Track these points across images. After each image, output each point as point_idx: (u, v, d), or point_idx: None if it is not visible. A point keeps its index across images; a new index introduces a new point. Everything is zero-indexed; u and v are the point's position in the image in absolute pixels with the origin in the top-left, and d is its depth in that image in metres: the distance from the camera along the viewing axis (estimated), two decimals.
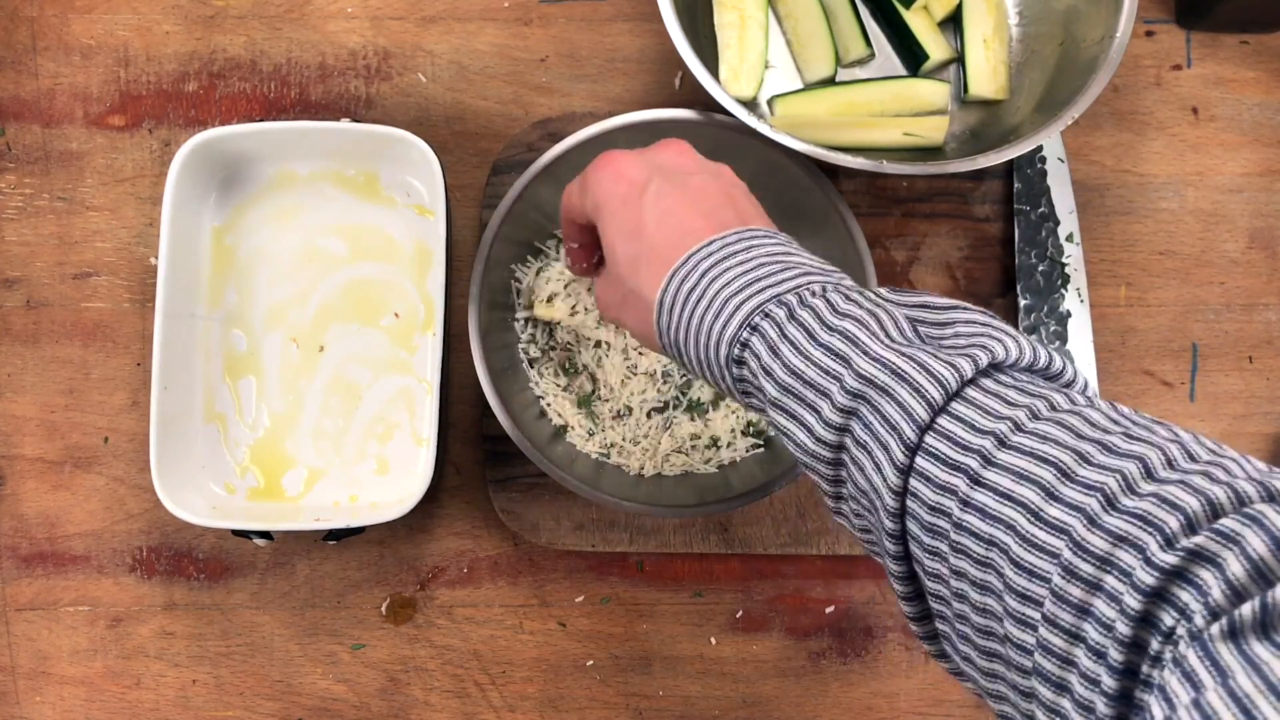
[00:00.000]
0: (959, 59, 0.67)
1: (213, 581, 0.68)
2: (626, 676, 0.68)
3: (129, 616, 0.68)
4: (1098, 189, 0.69)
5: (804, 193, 0.62)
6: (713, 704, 0.68)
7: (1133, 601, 0.28)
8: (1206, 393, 0.69)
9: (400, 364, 0.67)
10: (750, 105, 0.66)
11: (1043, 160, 0.68)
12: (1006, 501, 0.31)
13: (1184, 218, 0.70)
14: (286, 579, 0.68)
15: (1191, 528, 0.28)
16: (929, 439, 0.34)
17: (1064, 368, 0.36)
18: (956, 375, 0.34)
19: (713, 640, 0.68)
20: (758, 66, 0.66)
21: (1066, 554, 0.29)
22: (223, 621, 0.68)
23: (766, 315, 0.39)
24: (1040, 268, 0.68)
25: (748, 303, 0.39)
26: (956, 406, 0.34)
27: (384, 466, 0.67)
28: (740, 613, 0.68)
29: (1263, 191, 0.70)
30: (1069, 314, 0.67)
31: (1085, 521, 0.29)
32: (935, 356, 0.35)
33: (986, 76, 0.65)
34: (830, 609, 0.68)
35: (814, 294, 0.39)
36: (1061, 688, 0.30)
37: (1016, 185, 0.68)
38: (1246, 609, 0.25)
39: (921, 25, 0.66)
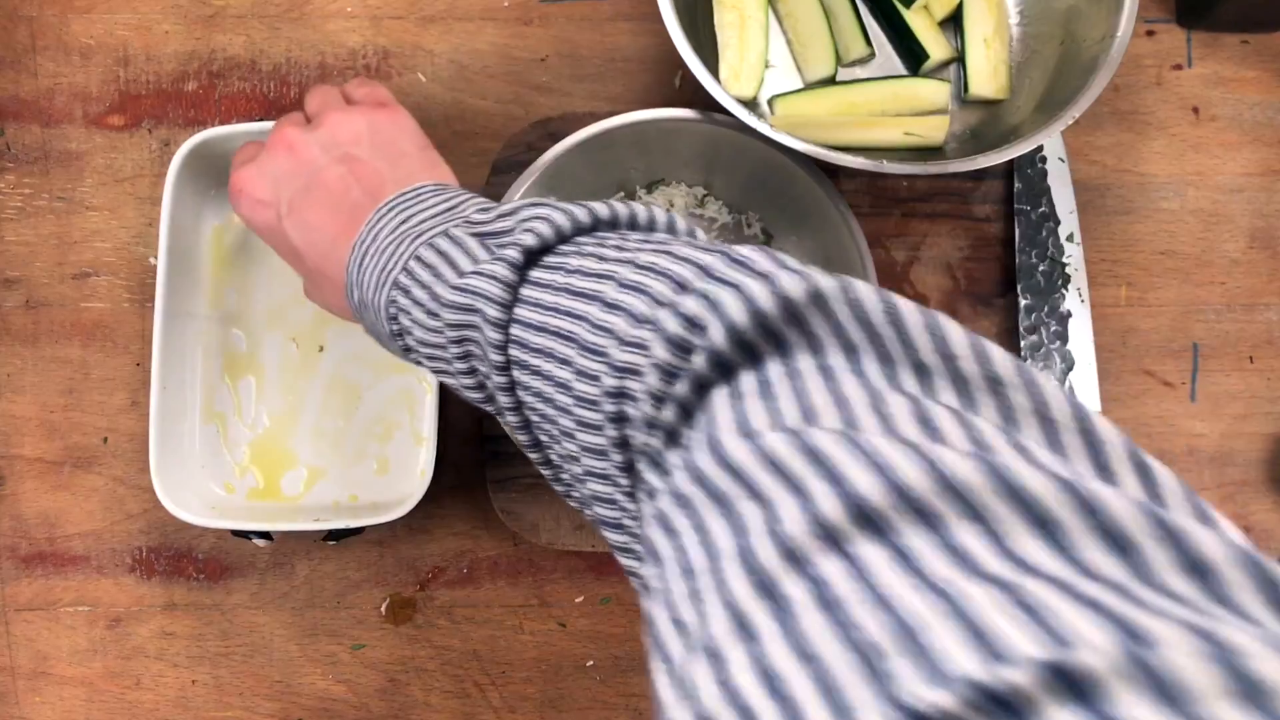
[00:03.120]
0: (959, 59, 0.67)
1: (212, 582, 0.68)
2: (626, 676, 0.68)
3: (129, 617, 0.68)
4: (1098, 189, 0.69)
5: (804, 192, 0.62)
6: None
7: (607, 403, 0.33)
8: (1207, 393, 0.69)
9: (400, 364, 0.67)
10: (750, 105, 0.66)
11: (1043, 160, 0.68)
12: (565, 317, 0.36)
13: (1184, 218, 0.69)
14: (286, 579, 0.68)
15: (636, 325, 0.33)
16: (512, 350, 0.38)
17: (615, 214, 0.40)
18: (504, 287, 0.38)
19: None
20: (758, 66, 0.65)
21: (577, 359, 0.34)
22: (222, 622, 0.68)
23: (394, 303, 0.42)
24: (1040, 268, 0.67)
25: (382, 299, 0.43)
26: (517, 310, 0.38)
27: (384, 466, 0.67)
28: None
29: (1263, 191, 0.70)
30: (1069, 314, 0.67)
31: (578, 349, 0.34)
32: (485, 276, 0.38)
33: (987, 76, 0.65)
34: None
35: (414, 264, 0.41)
36: (603, 474, 0.35)
37: (1017, 185, 0.68)
38: (667, 414, 0.31)
39: (922, 25, 0.66)
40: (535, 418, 0.38)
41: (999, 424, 0.26)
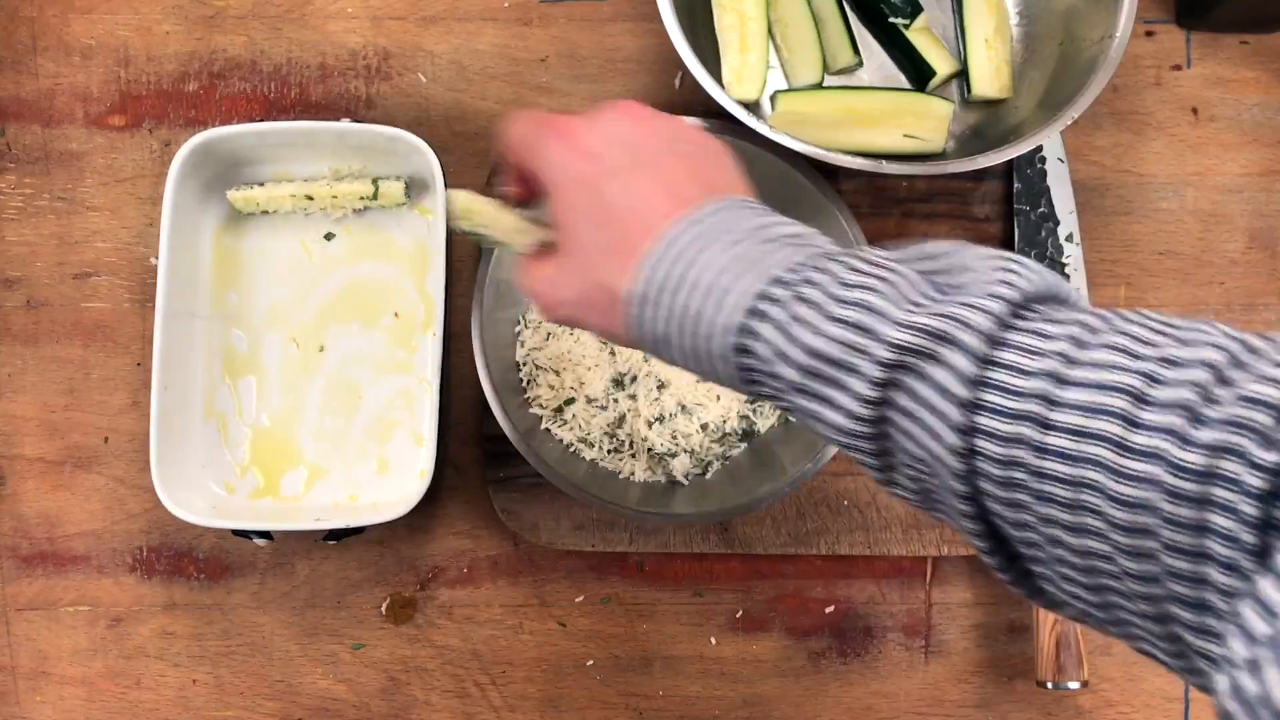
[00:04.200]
0: (964, 70, 0.67)
1: (213, 581, 0.68)
2: (626, 676, 0.68)
3: (129, 616, 0.68)
4: (1098, 189, 0.69)
5: (808, 200, 0.63)
6: (713, 704, 0.68)
7: (1248, 508, 0.27)
8: None
9: (400, 364, 0.67)
10: (752, 107, 0.66)
11: (1043, 160, 0.68)
12: (1086, 439, 0.30)
13: (1184, 218, 0.70)
14: (286, 579, 0.68)
15: None
16: (984, 394, 0.32)
17: (1081, 296, 0.36)
18: (993, 320, 0.32)
19: (713, 640, 0.68)
20: (759, 69, 0.66)
21: (1167, 478, 0.28)
22: (223, 621, 0.68)
23: (768, 298, 0.36)
24: None
25: (745, 287, 0.36)
26: (1001, 354, 0.32)
27: (384, 466, 0.67)
28: (740, 613, 0.68)
29: (1263, 191, 0.70)
30: None
31: (1178, 442, 0.28)
32: (966, 305, 0.32)
33: (989, 76, 0.65)
34: (830, 609, 0.68)
35: (817, 268, 0.35)
36: (1201, 606, 0.29)
37: (1016, 185, 0.68)
38: None
39: (925, 41, 0.66)
40: (1019, 495, 0.32)
41: None
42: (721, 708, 0.68)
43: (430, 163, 0.62)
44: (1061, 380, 0.31)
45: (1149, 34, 0.70)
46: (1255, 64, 0.70)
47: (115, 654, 0.68)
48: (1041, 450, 0.31)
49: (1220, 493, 0.27)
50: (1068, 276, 0.67)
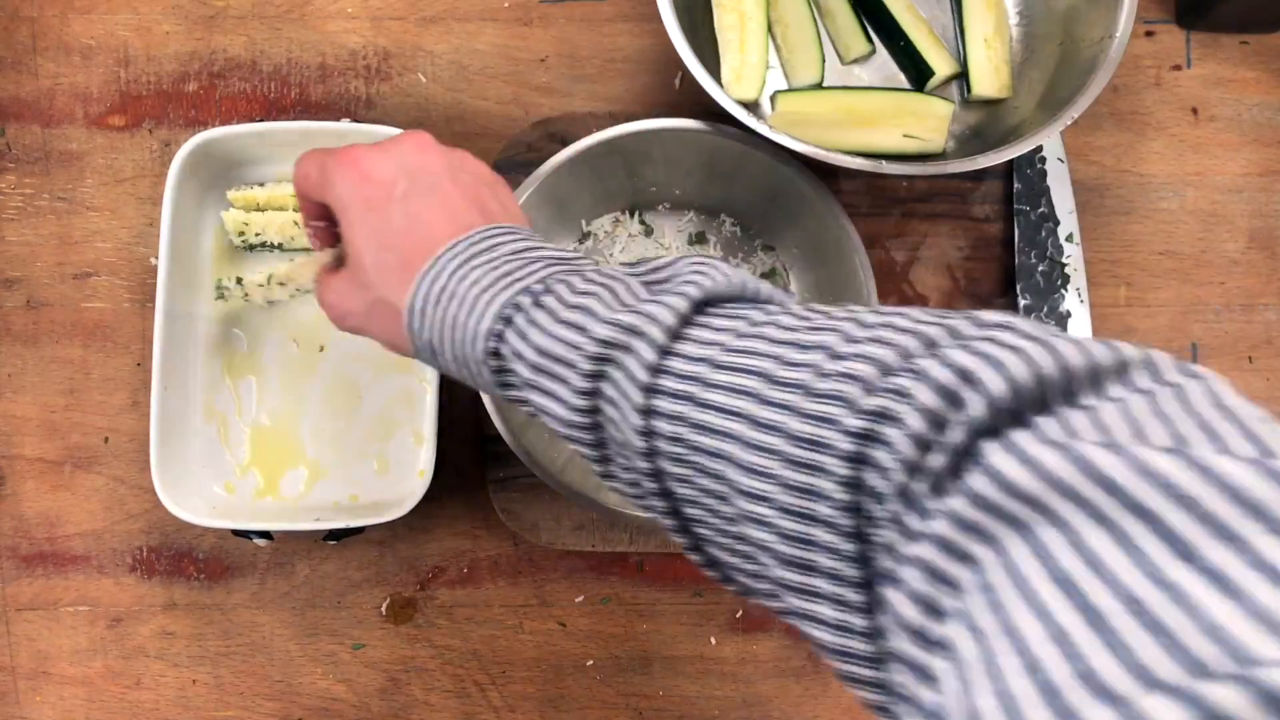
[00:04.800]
0: (964, 71, 0.67)
1: (213, 581, 0.68)
2: (626, 676, 0.68)
3: (129, 616, 0.68)
4: (1098, 189, 0.69)
5: (805, 202, 0.62)
6: (713, 704, 0.68)
7: (840, 468, 0.30)
8: None
9: (400, 364, 0.67)
10: (751, 107, 0.66)
11: (1043, 160, 0.68)
12: (726, 415, 0.34)
13: (1184, 218, 0.70)
14: (286, 579, 0.68)
15: (870, 391, 0.30)
16: (660, 379, 0.35)
17: (771, 293, 0.39)
18: (673, 313, 0.36)
19: (712, 640, 0.68)
20: (759, 68, 0.66)
21: (784, 446, 0.32)
22: (223, 621, 0.68)
23: (516, 306, 0.40)
24: (1040, 268, 0.68)
25: (498, 297, 0.40)
26: (678, 345, 0.36)
27: (384, 466, 0.67)
28: (740, 613, 0.68)
29: (1263, 191, 0.70)
30: (1069, 314, 0.67)
31: (792, 414, 0.32)
32: (657, 303, 0.37)
33: (989, 76, 0.65)
34: None
35: (561, 280, 0.40)
36: (808, 568, 0.32)
37: (1016, 185, 0.68)
38: (938, 460, 0.28)
39: (925, 41, 0.66)
40: (680, 476, 0.36)
41: None
42: (721, 708, 0.68)
43: None
44: (716, 365, 0.34)
45: (1149, 34, 0.70)
46: (1255, 64, 0.70)
47: (115, 654, 0.68)
48: (697, 426, 0.34)
49: (823, 459, 0.31)
50: (1067, 277, 0.67)
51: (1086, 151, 0.70)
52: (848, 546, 0.31)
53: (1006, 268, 0.69)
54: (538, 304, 0.39)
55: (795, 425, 0.31)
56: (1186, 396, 0.27)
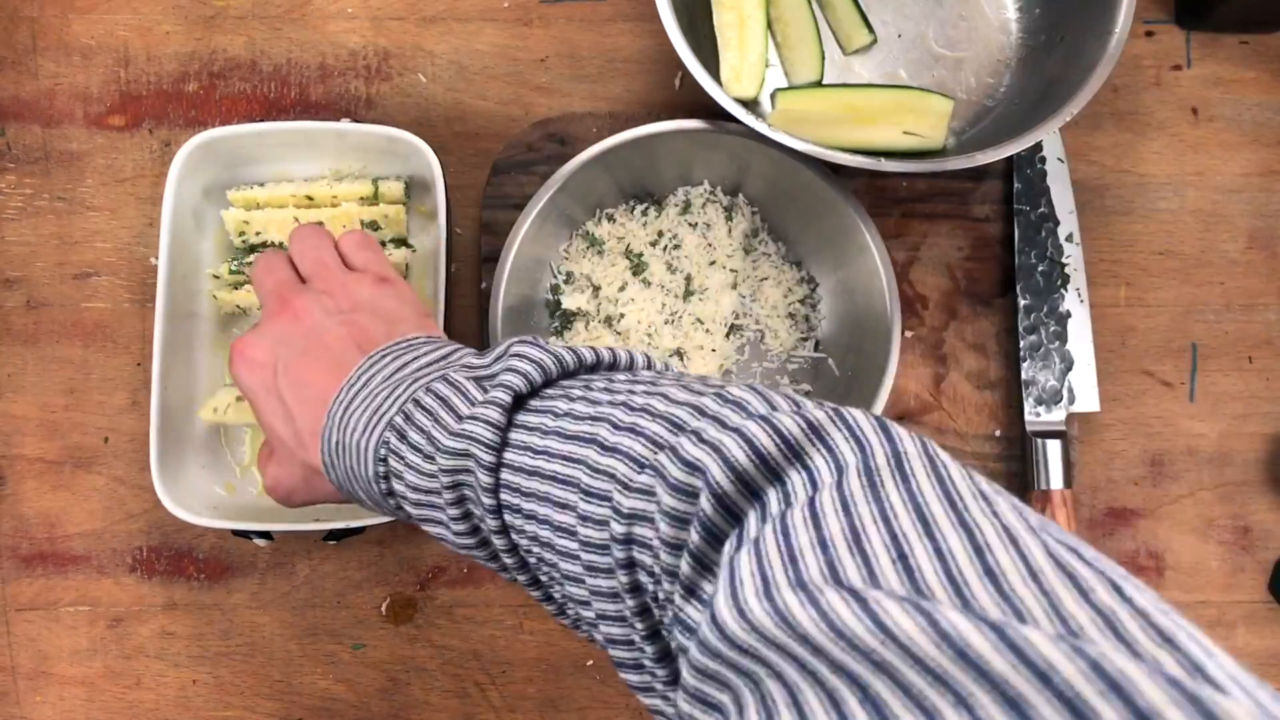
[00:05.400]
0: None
1: (213, 581, 0.68)
2: None
3: (129, 616, 0.68)
4: (1097, 189, 0.69)
5: (816, 195, 0.63)
6: None
7: (623, 577, 0.34)
8: (1206, 393, 0.69)
9: None
10: (751, 105, 0.66)
11: (1042, 160, 0.68)
12: (539, 523, 0.38)
13: (1184, 218, 0.70)
14: (286, 579, 0.68)
15: (626, 489, 0.34)
16: (502, 494, 0.39)
17: (598, 357, 0.42)
18: (492, 429, 0.39)
19: None
20: (759, 66, 0.66)
21: (583, 555, 0.36)
22: (223, 621, 0.68)
23: (387, 444, 0.42)
24: (1040, 268, 0.68)
25: (371, 440, 0.42)
26: (506, 454, 0.39)
27: None
28: None
29: (1263, 191, 0.70)
30: (1069, 314, 0.67)
31: (578, 518, 0.36)
32: (475, 419, 0.39)
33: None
34: None
35: (412, 407, 0.42)
36: (620, 620, 0.36)
37: (1016, 185, 0.68)
38: (685, 567, 0.31)
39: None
40: (533, 560, 0.39)
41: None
42: None
43: (430, 163, 0.62)
44: (526, 471, 0.38)
45: (1149, 34, 0.70)
46: (1255, 64, 0.70)
47: (115, 654, 0.68)
48: (528, 517, 0.38)
49: (606, 560, 0.35)
50: (1067, 277, 0.67)
51: (1086, 151, 0.70)
52: (631, 600, 0.34)
53: (1006, 268, 0.69)
54: (403, 437, 0.41)
55: (583, 531, 0.35)
56: (876, 479, 0.28)
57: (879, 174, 0.66)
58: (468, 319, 0.69)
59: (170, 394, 0.63)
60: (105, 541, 0.68)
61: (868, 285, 0.63)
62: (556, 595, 0.40)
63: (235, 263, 0.65)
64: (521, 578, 0.41)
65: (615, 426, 0.35)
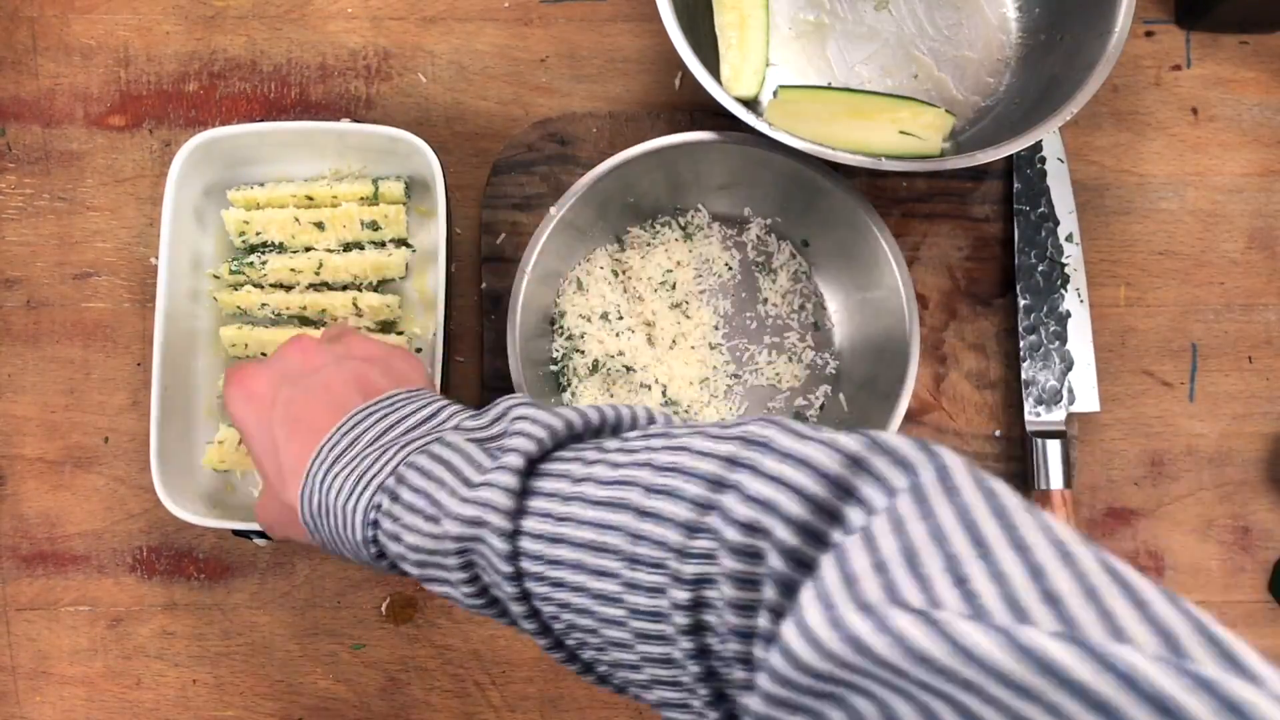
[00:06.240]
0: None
1: (213, 581, 0.68)
2: None
3: (129, 616, 0.68)
4: (1097, 189, 0.70)
5: (825, 197, 0.63)
6: None
7: (687, 643, 0.33)
8: (1206, 393, 0.69)
9: None
10: (752, 105, 0.66)
11: (1042, 160, 0.68)
12: (572, 591, 0.37)
13: (1183, 218, 0.70)
14: (286, 579, 0.68)
15: (683, 555, 0.33)
16: (522, 562, 0.38)
17: (604, 417, 0.41)
18: (507, 494, 0.38)
19: None
20: (759, 66, 0.66)
21: (632, 623, 0.35)
22: (223, 621, 0.68)
23: (378, 507, 0.41)
24: (1040, 268, 0.68)
25: (359, 503, 0.42)
26: (524, 522, 0.38)
27: None
28: None
29: (1263, 191, 0.70)
30: (1068, 314, 0.67)
31: (624, 586, 0.35)
32: (489, 485, 0.38)
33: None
34: None
35: (407, 465, 0.41)
36: (674, 685, 0.35)
37: (1016, 185, 0.68)
38: (763, 622, 0.30)
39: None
40: (560, 625, 0.39)
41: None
42: None
43: (430, 163, 0.62)
44: (551, 539, 0.37)
45: (1149, 34, 0.70)
46: (1255, 64, 0.70)
47: (115, 654, 0.68)
48: (556, 584, 0.37)
49: (666, 628, 0.34)
50: (1067, 277, 0.67)
51: (1086, 151, 0.70)
52: (703, 689, 0.34)
53: (1006, 268, 0.69)
54: (395, 499, 0.41)
55: (632, 599, 0.35)
56: (928, 503, 0.28)
57: (879, 174, 0.66)
58: (468, 319, 0.69)
59: (170, 394, 0.63)
60: (105, 541, 0.68)
61: (887, 304, 0.63)
62: (586, 656, 0.40)
63: (235, 263, 0.65)
64: (542, 641, 0.40)
65: (648, 489, 0.35)
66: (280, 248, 0.66)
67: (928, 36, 0.68)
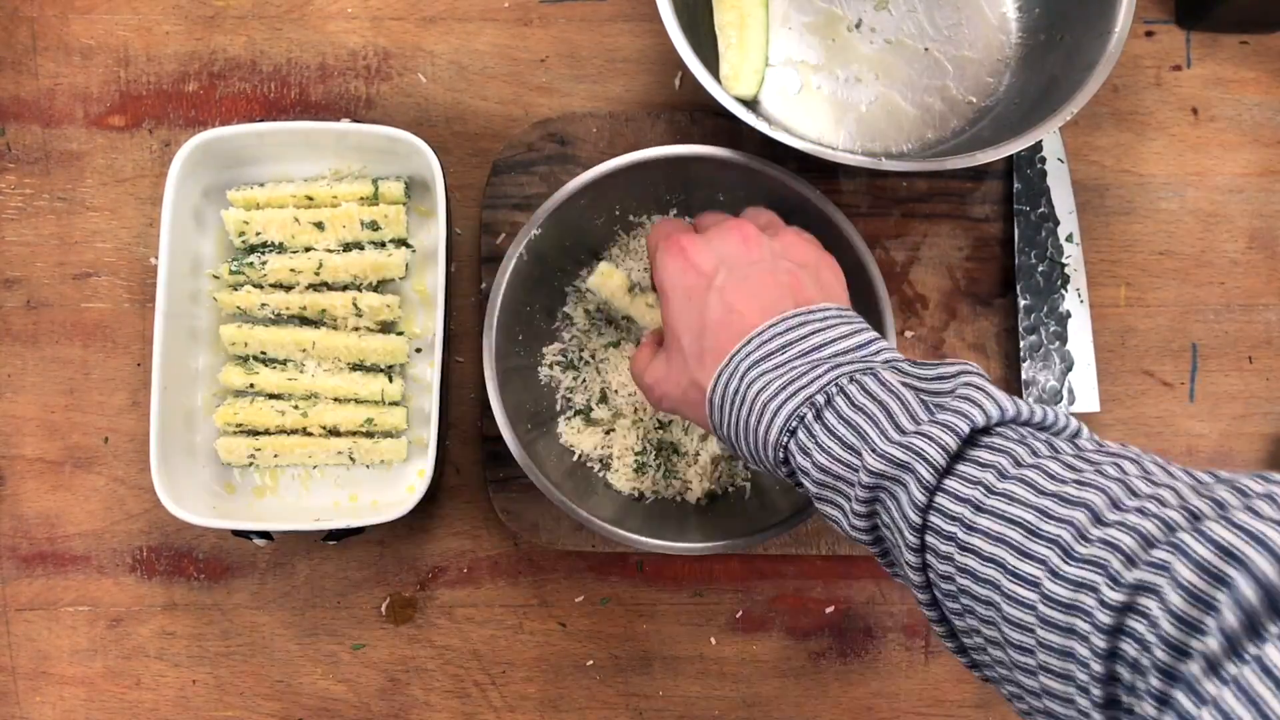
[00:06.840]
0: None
1: (213, 581, 0.68)
2: (626, 676, 0.68)
3: (129, 616, 0.68)
4: (1097, 189, 0.69)
5: (802, 205, 0.62)
6: (713, 704, 0.68)
7: (1099, 641, 0.32)
8: (1206, 393, 0.69)
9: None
10: (751, 105, 0.66)
11: (1042, 160, 0.68)
12: (985, 562, 0.37)
13: (1184, 218, 0.70)
14: (286, 579, 0.68)
15: (1131, 563, 0.32)
16: (930, 517, 0.39)
17: (1045, 416, 0.41)
18: (943, 452, 0.39)
19: (713, 640, 0.68)
20: (759, 65, 0.66)
21: (1040, 605, 0.34)
22: (223, 621, 0.68)
23: (800, 418, 0.43)
24: (1040, 268, 0.68)
25: (783, 408, 0.43)
26: (947, 482, 0.39)
27: (385, 466, 0.67)
28: (740, 613, 0.68)
29: (1263, 191, 0.70)
30: (1069, 314, 0.67)
31: (1049, 573, 0.34)
32: (926, 437, 0.39)
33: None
34: (830, 609, 0.68)
35: (841, 389, 0.43)
36: (1065, 700, 0.34)
37: (1016, 185, 0.68)
38: (1213, 643, 0.28)
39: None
40: (951, 588, 0.39)
41: None
42: (721, 708, 0.68)
43: (430, 163, 0.62)
44: (978, 508, 0.37)
45: (1149, 34, 0.70)
46: (1255, 64, 0.70)
47: (115, 654, 0.68)
48: (962, 570, 0.38)
49: (1080, 623, 0.33)
50: (1067, 277, 0.67)
51: (1086, 151, 0.70)
52: (1099, 715, 0.33)
53: (1006, 268, 0.69)
54: (819, 417, 0.43)
55: (1050, 586, 0.34)
56: None
57: (879, 174, 0.66)
58: (468, 319, 0.69)
59: (170, 394, 0.63)
60: (105, 541, 0.68)
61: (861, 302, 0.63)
62: (960, 626, 0.39)
63: (235, 263, 0.65)
64: (921, 595, 0.41)
65: (1114, 503, 0.34)
66: (280, 248, 0.66)
67: (927, 37, 0.68)
